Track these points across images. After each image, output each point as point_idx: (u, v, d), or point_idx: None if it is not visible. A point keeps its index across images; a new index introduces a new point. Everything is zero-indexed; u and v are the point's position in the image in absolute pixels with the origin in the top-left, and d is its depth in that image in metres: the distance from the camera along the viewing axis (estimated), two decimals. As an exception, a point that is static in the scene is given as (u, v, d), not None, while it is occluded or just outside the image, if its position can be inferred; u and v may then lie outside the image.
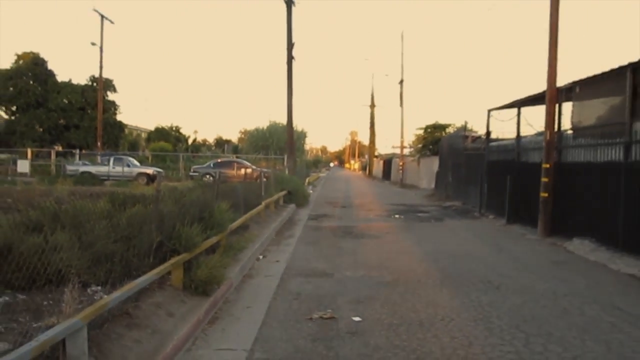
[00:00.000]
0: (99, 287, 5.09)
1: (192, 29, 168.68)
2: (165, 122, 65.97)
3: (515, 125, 15.08)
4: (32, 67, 41.94)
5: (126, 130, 50.19)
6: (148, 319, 4.79)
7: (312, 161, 73.42)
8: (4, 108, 42.81)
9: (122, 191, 7.51)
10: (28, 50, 43.12)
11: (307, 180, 31.04)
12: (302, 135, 52.78)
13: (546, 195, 11.61)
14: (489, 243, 11.02)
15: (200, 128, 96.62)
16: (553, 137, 11.77)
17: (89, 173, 27.21)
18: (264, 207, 12.83)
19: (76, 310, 4.00)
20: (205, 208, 6.68)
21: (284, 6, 23.94)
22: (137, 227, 5.59)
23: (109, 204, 5.95)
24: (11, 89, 40.98)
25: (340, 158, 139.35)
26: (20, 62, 42.39)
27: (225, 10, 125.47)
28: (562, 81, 11.97)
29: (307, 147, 65.20)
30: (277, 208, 15.33)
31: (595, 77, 10.92)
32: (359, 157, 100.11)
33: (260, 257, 8.93)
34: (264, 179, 14.57)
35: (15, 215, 5.99)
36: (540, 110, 12.72)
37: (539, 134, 13.13)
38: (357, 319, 5.47)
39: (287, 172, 23.61)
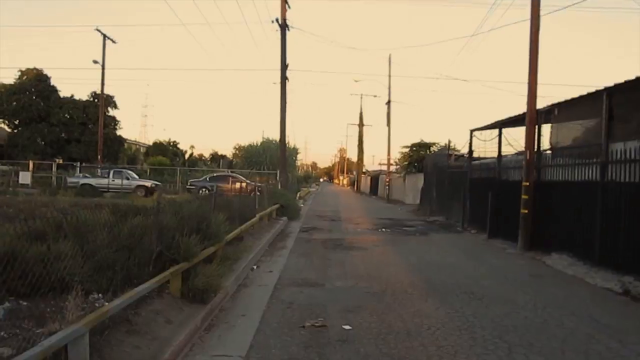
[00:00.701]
0: (100, 295, 5.22)
1: (190, 49, 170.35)
2: (163, 137, 66.47)
3: (496, 145, 15.66)
4: (36, 83, 42.15)
5: (125, 145, 50.39)
6: (147, 326, 4.94)
7: (303, 176, 73.82)
8: (7, 122, 42.85)
9: (124, 203, 7.67)
10: (32, 67, 43.30)
11: (298, 195, 31.46)
12: (294, 152, 53.22)
13: (526, 211, 12.02)
14: (471, 256, 11.35)
15: (197, 143, 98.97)
16: (533, 156, 12.22)
17: (89, 185, 27.52)
18: (258, 219, 13.14)
19: (79, 317, 4.12)
20: (202, 220, 6.89)
21: (279, 28, 24.65)
22: (138, 237, 5.77)
23: (111, 214, 6.13)
24: (14, 103, 41.10)
25: (329, 174, 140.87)
26: (24, 77, 42.54)
27: (222, 31, 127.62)
28: (541, 103, 12.50)
29: (298, 163, 65.50)
30: (270, 221, 15.65)
31: (573, 100, 11.44)
32: (347, 173, 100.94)
33: (255, 267, 9.15)
34: (258, 193, 14.87)
35: (19, 224, 6.10)
36: (520, 131, 13.23)
37: (519, 153, 13.62)
38: (347, 327, 5.66)
39: (279, 186, 24.05)
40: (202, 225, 6.74)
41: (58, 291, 4.95)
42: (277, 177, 28.47)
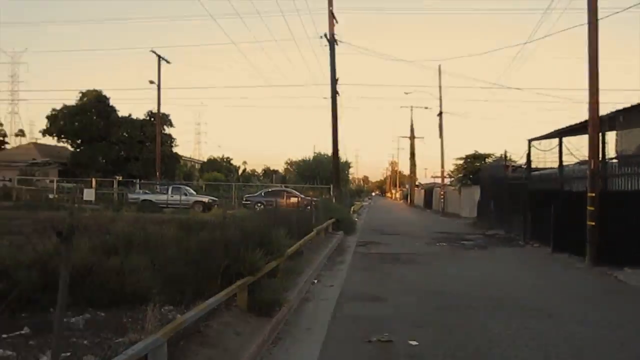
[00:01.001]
0: (172, 307, 5.45)
1: (241, 67, 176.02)
2: (217, 154, 68.43)
3: (555, 155, 15.17)
4: (96, 103, 44.59)
5: (181, 162, 52.17)
6: (218, 338, 5.06)
7: (355, 190, 73.70)
8: (70, 141, 45.53)
9: (189, 218, 7.93)
10: (92, 88, 45.76)
11: (352, 209, 31.35)
12: (346, 166, 53.19)
13: (593, 223, 11.47)
14: (536, 271, 10.95)
15: (249, 159, 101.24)
16: (597, 165, 11.69)
17: (150, 201, 28.71)
18: (315, 234, 13.19)
19: (156, 327, 4.27)
20: (265, 234, 7.04)
21: (327, 44, 25.04)
22: (206, 251, 5.97)
23: (180, 230, 6.37)
24: (76, 124, 43.61)
25: (381, 187, 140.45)
26: (85, 99, 45.00)
27: (272, 48, 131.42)
28: (602, 110, 11.93)
29: (350, 177, 65.44)
30: (326, 235, 15.69)
31: (639, 105, 10.91)
32: (399, 186, 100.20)
33: (315, 281, 9.20)
34: (313, 208, 15.01)
35: (89, 239, 6.41)
36: (581, 140, 12.75)
37: (582, 162, 13.08)
38: (413, 343, 5.57)
39: (333, 201, 24.19)
40: (264, 240, 6.86)
41: (137, 303, 5.18)
42: (331, 192, 28.57)
